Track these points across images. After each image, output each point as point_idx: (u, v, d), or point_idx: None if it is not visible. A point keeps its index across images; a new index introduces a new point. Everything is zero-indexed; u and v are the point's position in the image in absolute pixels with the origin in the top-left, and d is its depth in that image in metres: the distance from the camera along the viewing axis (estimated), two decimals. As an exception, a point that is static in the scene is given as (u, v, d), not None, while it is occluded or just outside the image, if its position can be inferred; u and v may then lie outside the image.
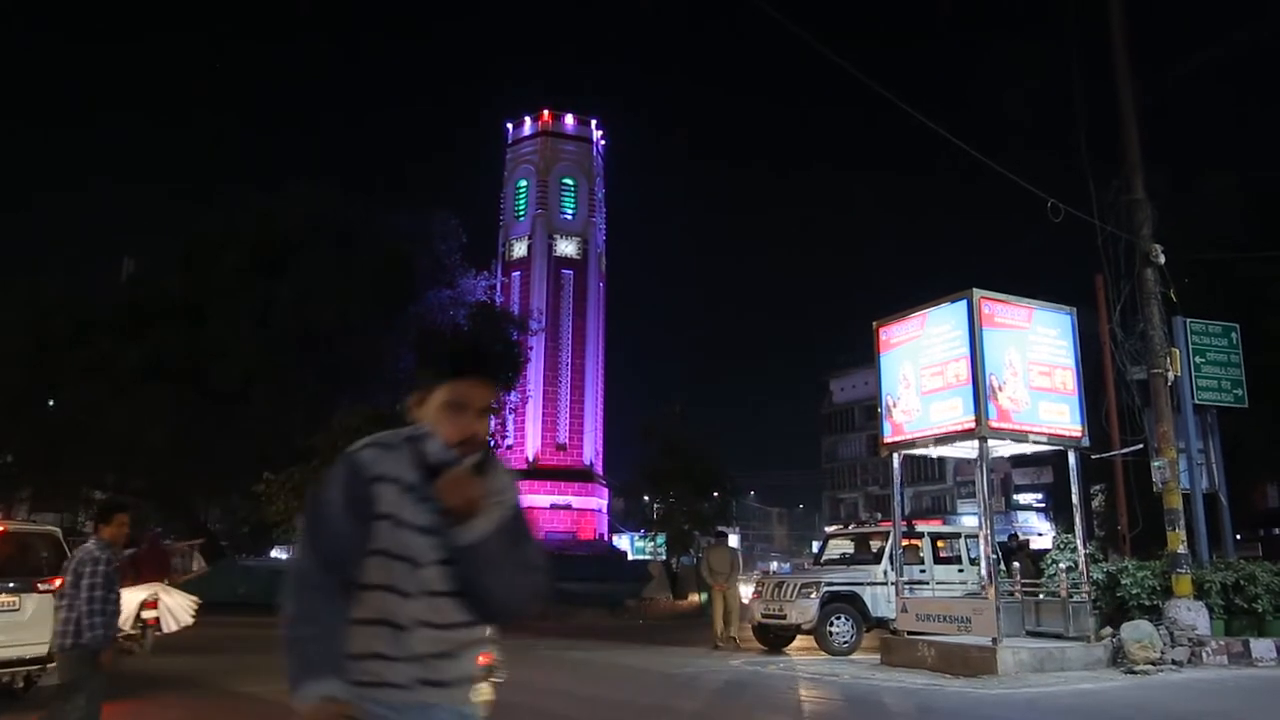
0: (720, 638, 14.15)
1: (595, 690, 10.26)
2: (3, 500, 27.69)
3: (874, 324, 12.63)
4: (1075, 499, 11.91)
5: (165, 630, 11.41)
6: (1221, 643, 11.22)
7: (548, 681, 10.79)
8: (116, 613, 5.50)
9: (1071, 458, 11.91)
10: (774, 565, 60.36)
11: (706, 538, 22.07)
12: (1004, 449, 12.49)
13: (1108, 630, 11.35)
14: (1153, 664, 10.50)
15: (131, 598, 10.13)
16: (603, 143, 69.25)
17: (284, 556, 27.79)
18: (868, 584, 13.39)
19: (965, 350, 11.09)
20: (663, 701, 9.43)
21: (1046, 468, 43.81)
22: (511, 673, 9.70)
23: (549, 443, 61.54)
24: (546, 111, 67.20)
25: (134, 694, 9.52)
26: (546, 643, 14.68)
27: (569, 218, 65.99)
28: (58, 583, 8.56)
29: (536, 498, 56.80)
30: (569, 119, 67.66)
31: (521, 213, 66.26)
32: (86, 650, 5.28)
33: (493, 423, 24.99)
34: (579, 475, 61.81)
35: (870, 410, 54.68)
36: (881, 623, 12.96)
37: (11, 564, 8.45)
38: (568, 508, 60.10)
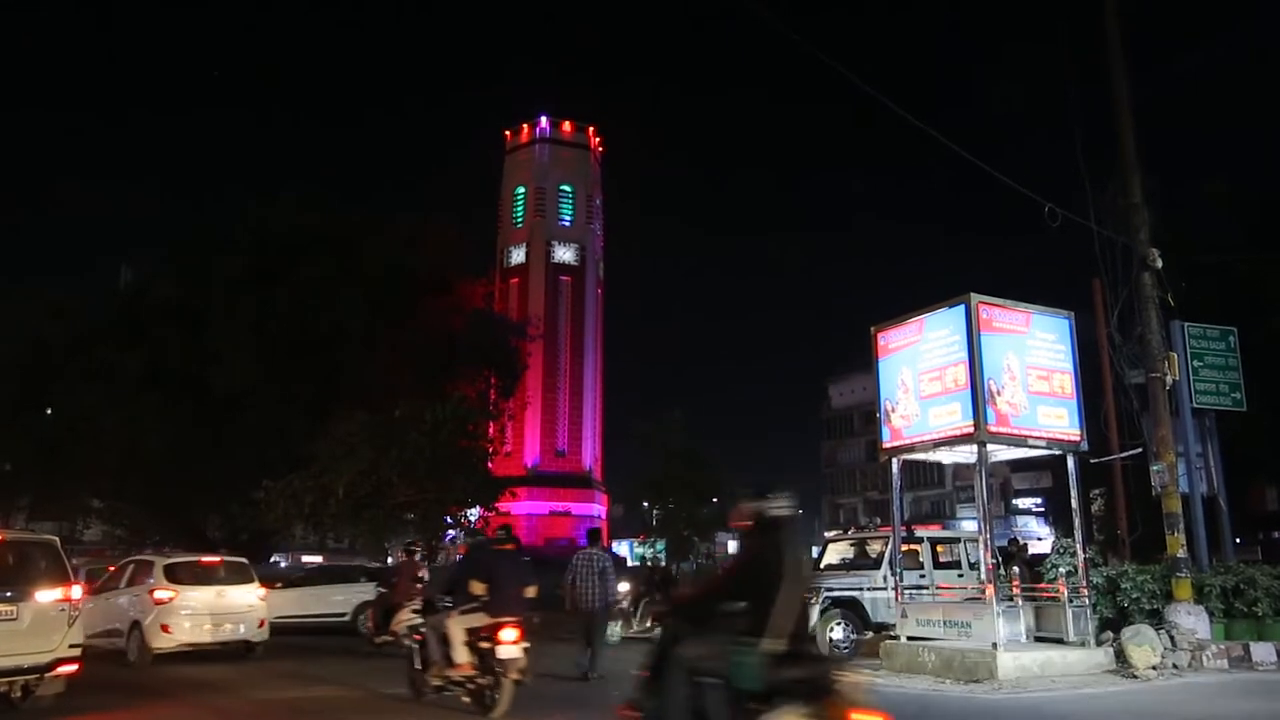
0: None
1: (590, 694, 10.22)
2: (1, 509, 27.62)
3: (872, 329, 12.62)
4: (1074, 503, 11.89)
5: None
6: (1222, 646, 11.21)
7: (548, 686, 10.76)
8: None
9: (1070, 462, 11.90)
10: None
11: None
12: (1003, 453, 12.49)
13: (1108, 635, 11.33)
14: (1154, 669, 10.49)
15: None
16: (600, 150, 69.37)
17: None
18: (867, 589, 13.36)
19: (963, 355, 11.08)
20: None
21: (1045, 472, 43.83)
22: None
23: (547, 450, 61.55)
24: (545, 119, 67.36)
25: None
26: (544, 649, 14.63)
27: (567, 224, 66.08)
28: (63, 590, 8.56)
29: (535, 504, 56.77)
30: (567, 126, 67.80)
31: (519, 219, 66.36)
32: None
33: (491, 429, 25.10)
34: (578, 481, 61.81)
35: (869, 415, 54.57)
36: (881, 628, 12.94)
37: (10, 573, 8.41)
38: (567, 514, 60.05)
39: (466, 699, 8.43)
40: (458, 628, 8.37)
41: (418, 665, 9.03)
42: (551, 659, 10.88)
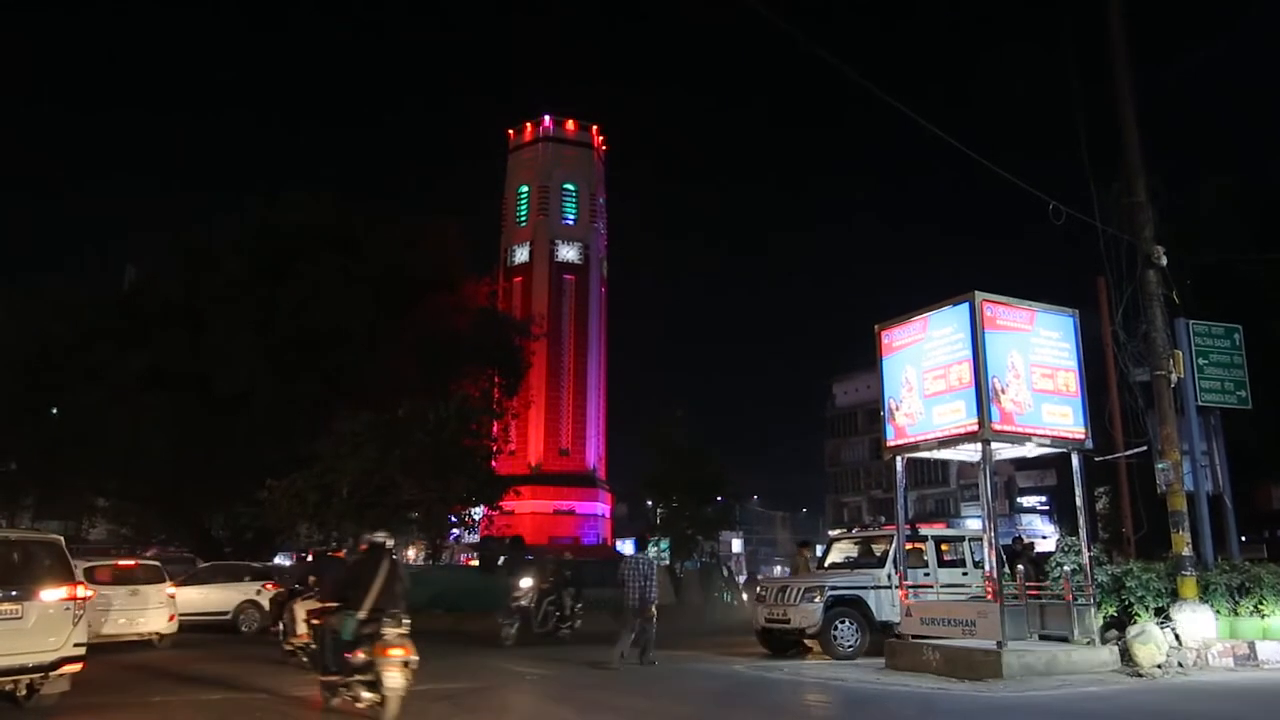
0: None
1: (599, 695, 10.22)
2: (6, 508, 27.68)
3: (876, 327, 12.61)
4: (1079, 501, 11.86)
5: None
6: (1227, 645, 11.17)
7: (552, 687, 10.76)
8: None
9: (1075, 460, 11.88)
10: (777, 569, 60.20)
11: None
12: (1007, 452, 12.45)
13: (1113, 633, 11.30)
14: (1159, 667, 10.46)
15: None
16: (604, 149, 69.26)
17: (287, 562, 27.77)
18: (872, 588, 13.35)
19: (968, 353, 11.07)
20: (665, 706, 9.41)
21: (1050, 470, 43.72)
22: (519, 679, 9.72)
23: (551, 448, 61.41)
24: (548, 118, 67.24)
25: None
26: (548, 648, 14.66)
27: (570, 223, 65.95)
28: (68, 590, 8.56)
29: (539, 504, 56.70)
30: (570, 125, 67.66)
31: (523, 218, 66.25)
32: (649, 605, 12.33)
33: (495, 428, 25.11)
34: (581, 480, 61.69)
35: (873, 414, 54.32)
36: (886, 627, 12.91)
37: (15, 572, 8.43)
38: (571, 513, 59.98)
39: (305, 660, 11.37)
40: (300, 609, 11.82)
41: (282, 638, 12.56)
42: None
